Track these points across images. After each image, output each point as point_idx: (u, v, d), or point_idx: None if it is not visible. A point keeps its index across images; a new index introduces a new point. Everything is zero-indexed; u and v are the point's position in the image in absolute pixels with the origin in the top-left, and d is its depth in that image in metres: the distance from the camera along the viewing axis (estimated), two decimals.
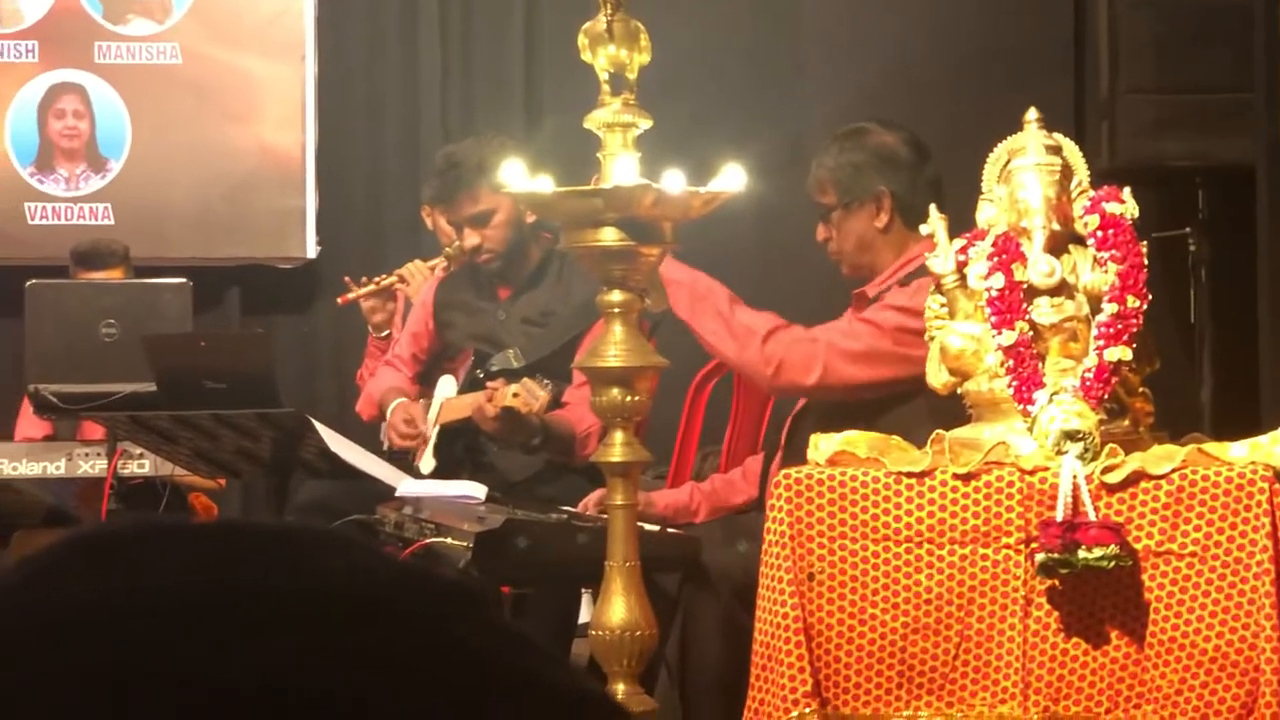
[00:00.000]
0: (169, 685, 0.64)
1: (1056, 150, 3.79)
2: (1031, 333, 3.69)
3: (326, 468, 5.00)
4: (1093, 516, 3.50)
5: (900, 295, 4.43)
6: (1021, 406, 3.66)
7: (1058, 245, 3.74)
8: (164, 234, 7.58)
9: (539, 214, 4.47)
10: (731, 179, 3.69)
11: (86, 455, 5.77)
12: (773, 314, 4.45)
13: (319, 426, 4.85)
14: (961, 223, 3.91)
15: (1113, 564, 3.47)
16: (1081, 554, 3.47)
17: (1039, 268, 3.70)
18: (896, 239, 4.56)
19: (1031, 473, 3.59)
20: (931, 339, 3.85)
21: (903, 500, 3.65)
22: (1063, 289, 3.73)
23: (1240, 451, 3.62)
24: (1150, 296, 3.71)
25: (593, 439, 5.04)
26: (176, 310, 5.73)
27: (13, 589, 0.69)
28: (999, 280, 3.70)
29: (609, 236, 3.62)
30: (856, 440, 3.76)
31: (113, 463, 5.68)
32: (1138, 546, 3.54)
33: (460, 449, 5.35)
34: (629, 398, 3.70)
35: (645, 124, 3.66)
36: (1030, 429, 3.63)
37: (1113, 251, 3.69)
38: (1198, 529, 3.53)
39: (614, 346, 3.69)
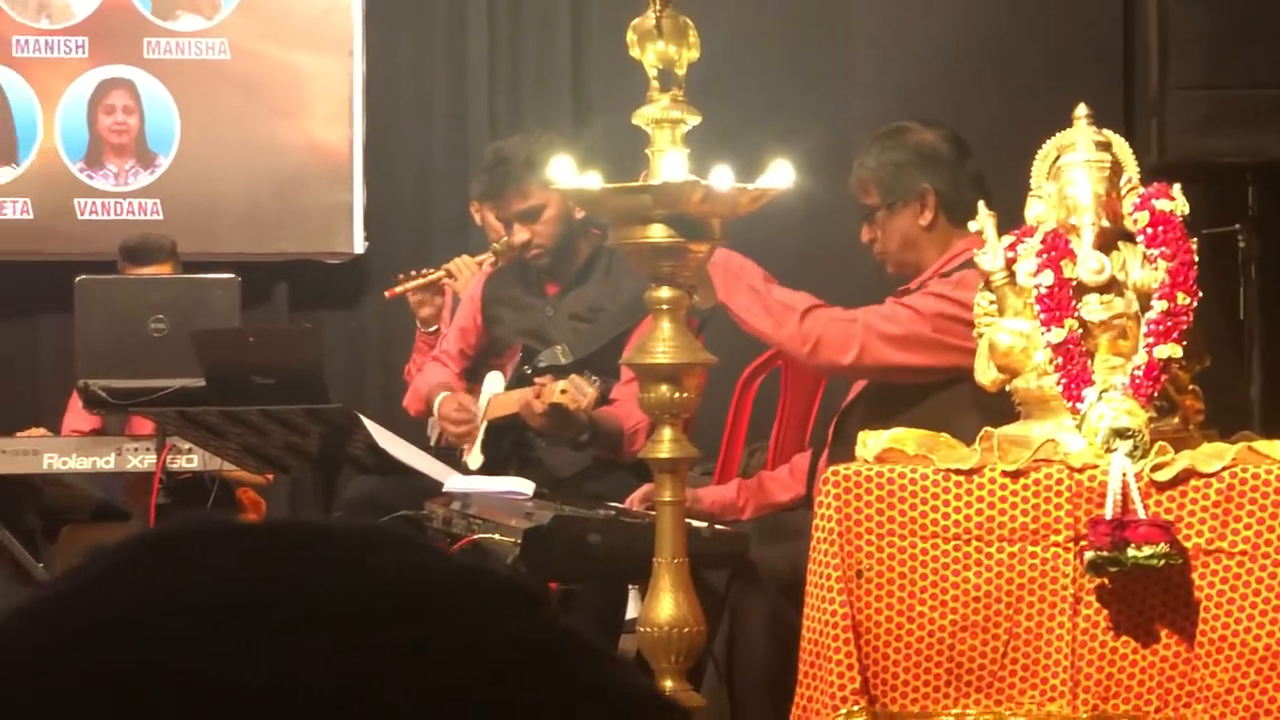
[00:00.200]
0: (171, 686, 0.64)
1: (1106, 147, 3.78)
2: (1080, 330, 3.68)
3: (374, 463, 5.01)
4: (1142, 515, 3.49)
5: (941, 284, 4.42)
6: (1070, 404, 3.65)
7: (1107, 242, 3.73)
8: (212, 229, 7.60)
9: (588, 210, 4.47)
10: (780, 175, 3.69)
11: (135, 450, 5.79)
12: (810, 294, 4.44)
13: (367, 422, 4.87)
14: (1006, 220, 3.90)
15: (1163, 562, 3.46)
16: (1130, 552, 3.46)
17: (1088, 265, 3.69)
18: (940, 236, 4.55)
19: (1080, 470, 3.58)
20: (980, 336, 3.85)
21: (951, 497, 3.64)
22: (1112, 286, 3.72)
23: None
24: (1200, 293, 3.69)
25: (640, 435, 5.04)
26: (225, 305, 5.75)
27: (72, 586, 0.69)
28: (1048, 277, 3.69)
29: (657, 233, 3.62)
30: (905, 437, 3.75)
31: (161, 458, 5.70)
32: (1187, 545, 3.53)
33: (508, 445, 5.36)
34: (677, 394, 3.70)
35: (694, 120, 3.66)
36: (1079, 426, 3.62)
37: (1162, 248, 3.68)
38: (1248, 527, 3.52)
39: (662, 343, 3.69)
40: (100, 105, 7.79)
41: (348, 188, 7.74)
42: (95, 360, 5.72)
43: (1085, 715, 3.57)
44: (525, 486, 4.72)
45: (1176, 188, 3.77)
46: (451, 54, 7.80)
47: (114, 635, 0.66)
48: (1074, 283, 3.69)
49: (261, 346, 5.18)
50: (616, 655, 0.72)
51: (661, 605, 3.71)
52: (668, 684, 3.68)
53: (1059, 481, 3.59)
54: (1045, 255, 3.71)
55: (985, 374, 3.83)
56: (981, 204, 3.91)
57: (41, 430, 6.28)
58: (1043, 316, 3.69)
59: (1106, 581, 3.56)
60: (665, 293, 3.69)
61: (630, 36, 3.66)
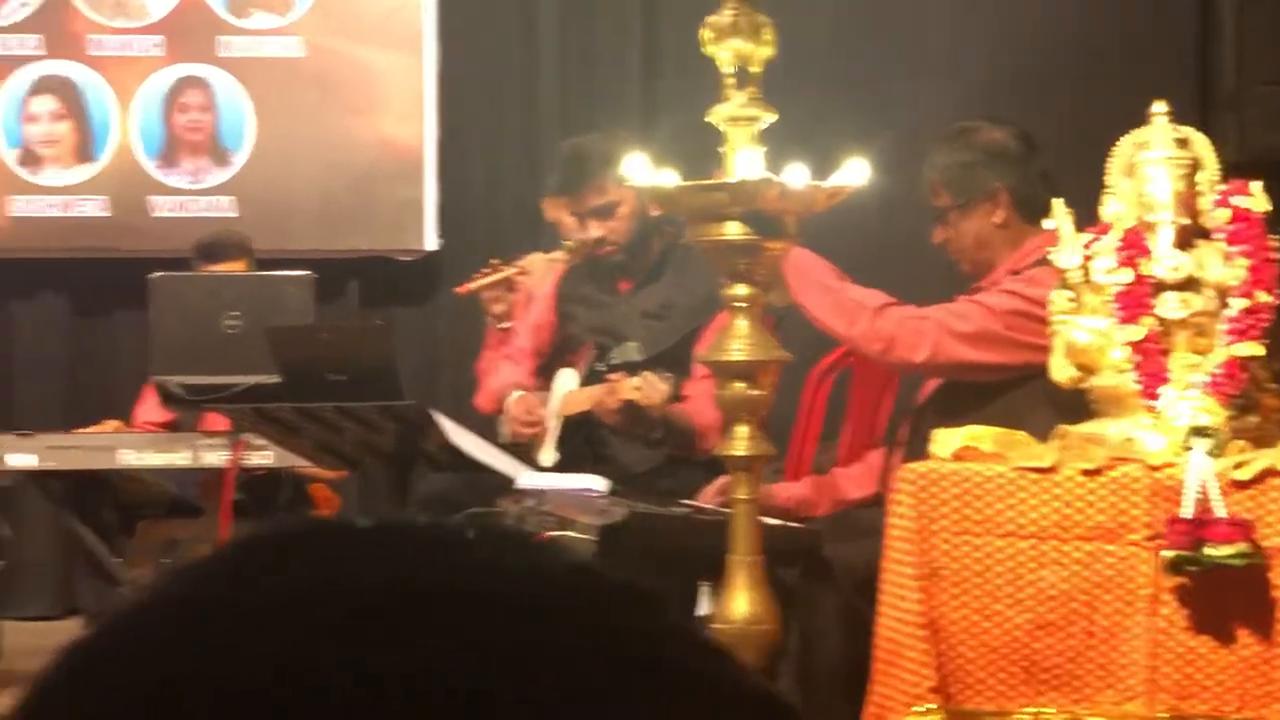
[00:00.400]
0: (305, 683, 0.64)
1: (1185, 143, 3.76)
2: (1158, 328, 3.66)
3: (448, 460, 5.01)
4: (1221, 513, 3.46)
5: (1014, 282, 4.41)
6: (1148, 402, 3.63)
7: (1185, 239, 3.71)
8: (286, 226, 7.64)
9: (663, 207, 4.46)
10: (855, 173, 3.68)
11: (210, 446, 5.82)
12: (883, 292, 4.43)
13: (441, 419, 4.87)
14: (1081, 218, 3.88)
15: (1242, 562, 3.44)
16: (1209, 551, 3.44)
17: (1166, 262, 3.67)
18: (1013, 234, 4.53)
19: (1159, 469, 3.56)
20: (1056, 333, 3.83)
21: (1027, 496, 3.62)
22: (1190, 284, 3.70)
23: None
24: None
25: (712, 432, 5.03)
26: (299, 302, 5.76)
27: (192, 585, 0.70)
28: (1126, 275, 3.67)
29: (733, 230, 3.62)
30: (980, 435, 3.74)
31: (236, 454, 5.73)
32: (1266, 544, 3.50)
33: (581, 442, 5.36)
34: (753, 392, 3.70)
35: (770, 118, 3.65)
36: (1157, 425, 3.60)
37: (1242, 246, 3.65)
38: None
39: (738, 340, 3.69)
40: (175, 103, 7.84)
41: (420, 184, 7.77)
42: (170, 356, 5.75)
43: (1163, 715, 3.55)
44: (599, 483, 4.72)
45: (1257, 185, 3.75)
46: (523, 51, 7.82)
47: (240, 633, 0.66)
48: (1152, 280, 3.68)
49: (336, 343, 5.19)
50: (731, 653, 0.72)
51: (736, 603, 3.71)
52: None
53: (1136, 480, 3.57)
54: (1123, 252, 3.69)
55: (1061, 372, 3.81)
56: (1059, 201, 3.89)
57: (115, 424, 6.32)
58: (1120, 314, 3.67)
59: (1185, 581, 3.54)
60: (741, 290, 3.69)
61: (705, 34, 3.66)
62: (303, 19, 7.80)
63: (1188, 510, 3.47)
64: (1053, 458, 3.63)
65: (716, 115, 3.66)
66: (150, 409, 6.31)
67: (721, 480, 4.57)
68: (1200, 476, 3.48)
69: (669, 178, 3.66)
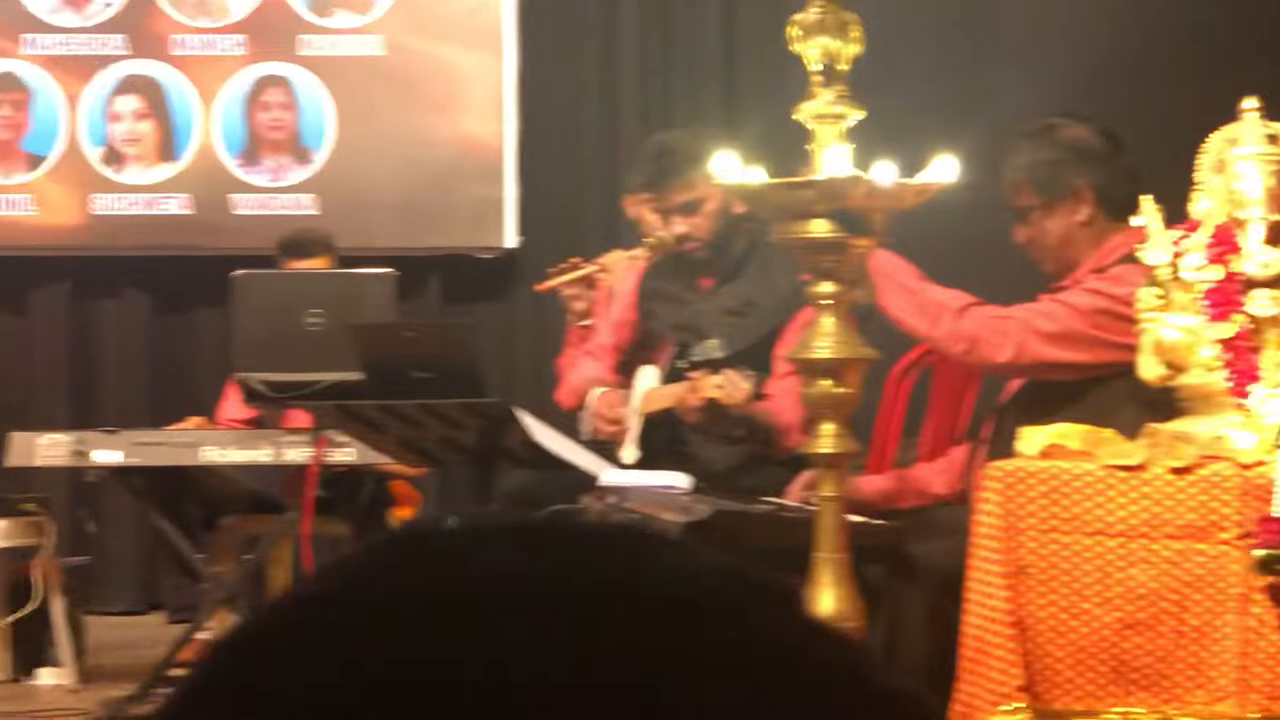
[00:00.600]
0: (469, 679, 0.65)
1: (1276, 139, 3.73)
2: (1249, 325, 3.64)
3: (531, 457, 5.02)
4: None
5: (1098, 280, 4.38)
6: (1238, 400, 3.61)
7: (1276, 236, 3.68)
8: (366, 224, 7.66)
9: (750, 205, 4.47)
10: (944, 170, 3.67)
11: (293, 443, 5.84)
12: (964, 292, 4.42)
13: (524, 416, 4.88)
14: (1168, 215, 3.86)
15: None
16: None
17: (1257, 259, 3.64)
18: (1096, 232, 4.51)
19: (1249, 467, 3.54)
20: (1145, 331, 3.81)
21: (1116, 494, 3.61)
22: None
23: None
24: None
25: (794, 431, 5.03)
26: (381, 299, 5.78)
27: (349, 581, 0.70)
28: (1216, 272, 3.65)
29: (820, 228, 3.61)
30: (1068, 433, 3.72)
31: (318, 451, 5.75)
32: None
33: (662, 439, 5.35)
34: (838, 389, 3.70)
35: (857, 115, 3.65)
36: (1247, 423, 3.57)
37: None
38: None
39: (824, 338, 3.69)
40: (257, 102, 7.88)
41: (499, 182, 7.79)
42: (253, 354, 5.78)
43: (1254, 716, 3.53)
44: (681, 480, 4.72)
45: None
46: (603, 48, 7.83)
47: (388, 629, 0.66)
48: (1242, 277, 3.65)
49: (419, 341, 5.20)
50: (869, 652, 0.72)
51: (822, 600, 3.70)
52: None
53: (1226, 478, 3.55)
54: (1213, 249, 3.67)
55: (1150, 369, 3.79)
56: (1147, 198, 3.86)
57: (198, 420, 6.36)
58: (1210, 311, 3.65)
59: (1276, 580, 3.51)
60: (827, 288, 3.68)
61: (792, 31, 3.66)
62: (383, 18, 7.83)
63: (1279, 509, 3.45)
64: (1141, 455, 3.61)
65: (804, 113, 3.66)
66: (233, 406, 6.35)
67: (805, 476, 4.56)
68: None
69: (756, 175, 3.66)
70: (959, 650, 3.69)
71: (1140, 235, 3.84)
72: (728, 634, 0.68)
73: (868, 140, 3.78)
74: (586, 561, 0.70)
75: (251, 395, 5.80)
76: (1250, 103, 3.77)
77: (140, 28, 7.87)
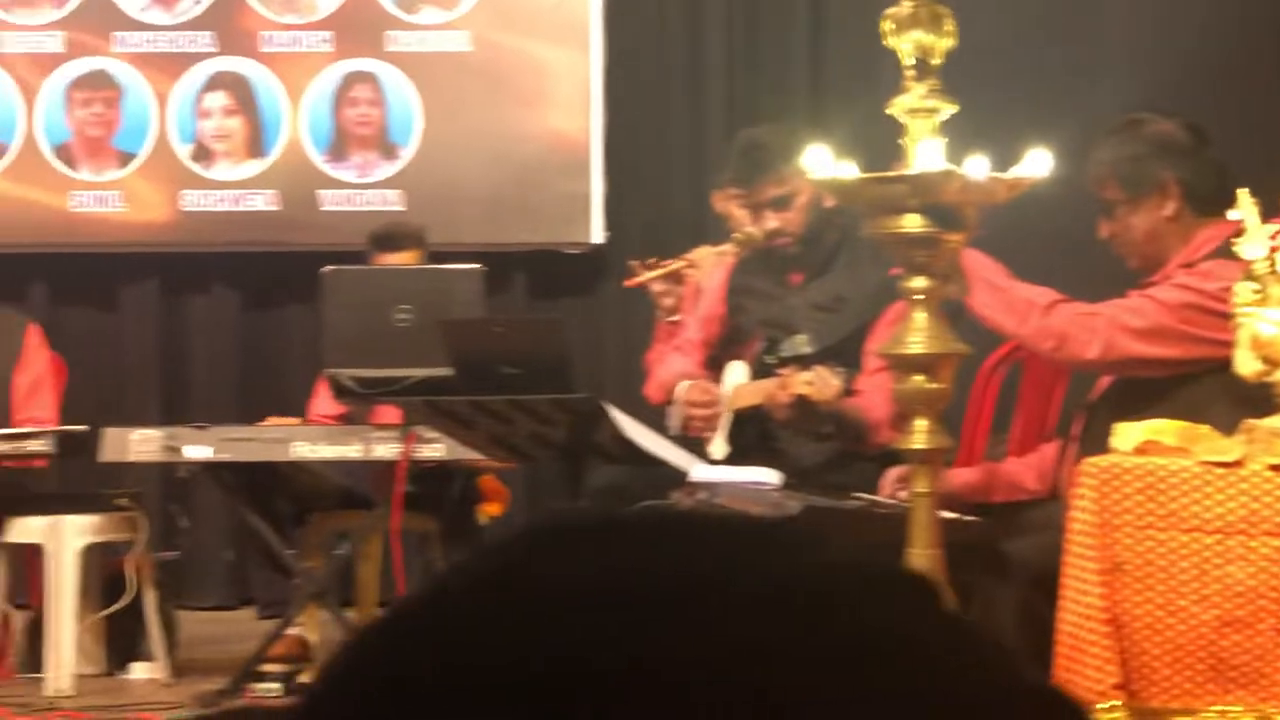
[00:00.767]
0: (609, 673, 0.65)
1: None
2: None
3: (621, 453, 5.01)
4: None
5: (1187, 276, 4.35)
6: None
7: None
8: (453, 220, 7.68)
9: (842, 199, 4.46)
10: (1037, 164, 3.65)
11: (382, 439, 5.86)
12: (1051, 289, 4.39)
13: (614, 412, 4.88)
14: (1261, 209, 3.82)
15: None
16: None
17: None
18: (1183, 227, 4.47)
19: None
20: (1241, 326, 3.77)
21: (1213, 490, 3.58)
22: None
23: None
24: None
25: (884, 427, 5.01)
26: (469, 295, 5.79)
27: (486, 574, 0.70)
28: None
29: (912, 223, 3.60)
30: (1163, 429, 3.70)
31: (407, 447, 5.77)
32: None
33: (751, 435, 5.35)
34: (931, 385, 3.68)
35: (950, 109, 3.63)
36: None
37: None
38: None
39: (917, 333, 3.68)
40: (344, 98, 7.92)
41: (586, 178, 7.80)
42: (342, 350, 5.80)
43: None
44: (772, 476, 4.71)
45: None
46: (689, 43, 7.83)
47: (526, 621, 0.66)
48: None
49: (508, 336, 5.20)
50: (1014, 650, 0.72)
51: None
52: None
53: None
54: None
55: (1246, 365, 3.76)
56: (1243, 191, 3.83)
57: (286, 418, 6.38)
58: None
59: None
60: (920, 282, 3.67)
61: (886, 25, 3.65)
62: (470, 13, 7.85)
63: None
64: (1239, 452, 3.59)
65: (897, 107, 3.64)
66: (324, 402, 6.37)
67: (894, 472, 4.55)
68: None
69: (849, 170, 3.65)
70: (1053, 648, 3.67)
71: (1232, 229, 3.80)
72: (857, 627, 0.67)
73: (960, 135, 3.77)
74: (732, 558, 0.70)
75: (341, 391, 5.83)
76: None
77: (229, 25, 7.91)
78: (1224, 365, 3.82)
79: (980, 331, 4.57)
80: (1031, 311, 4.30)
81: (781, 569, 0.69)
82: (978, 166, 3.58)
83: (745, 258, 5.65)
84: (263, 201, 7.92)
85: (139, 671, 6.23)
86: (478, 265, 5.87)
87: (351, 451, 5.93)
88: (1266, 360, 3.71)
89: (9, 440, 6.14)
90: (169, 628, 6.30)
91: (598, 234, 7.82)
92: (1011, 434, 5.01)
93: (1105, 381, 4.55)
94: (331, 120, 7.92)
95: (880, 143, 3.89)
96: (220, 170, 7.95)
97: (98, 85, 7.96)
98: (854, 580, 0.70)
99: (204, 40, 7.92)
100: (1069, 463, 4.32)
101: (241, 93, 7.94)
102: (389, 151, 7.91)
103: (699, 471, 4.89)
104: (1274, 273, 3.72)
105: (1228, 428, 3.70)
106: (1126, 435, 3.70)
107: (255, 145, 7.93)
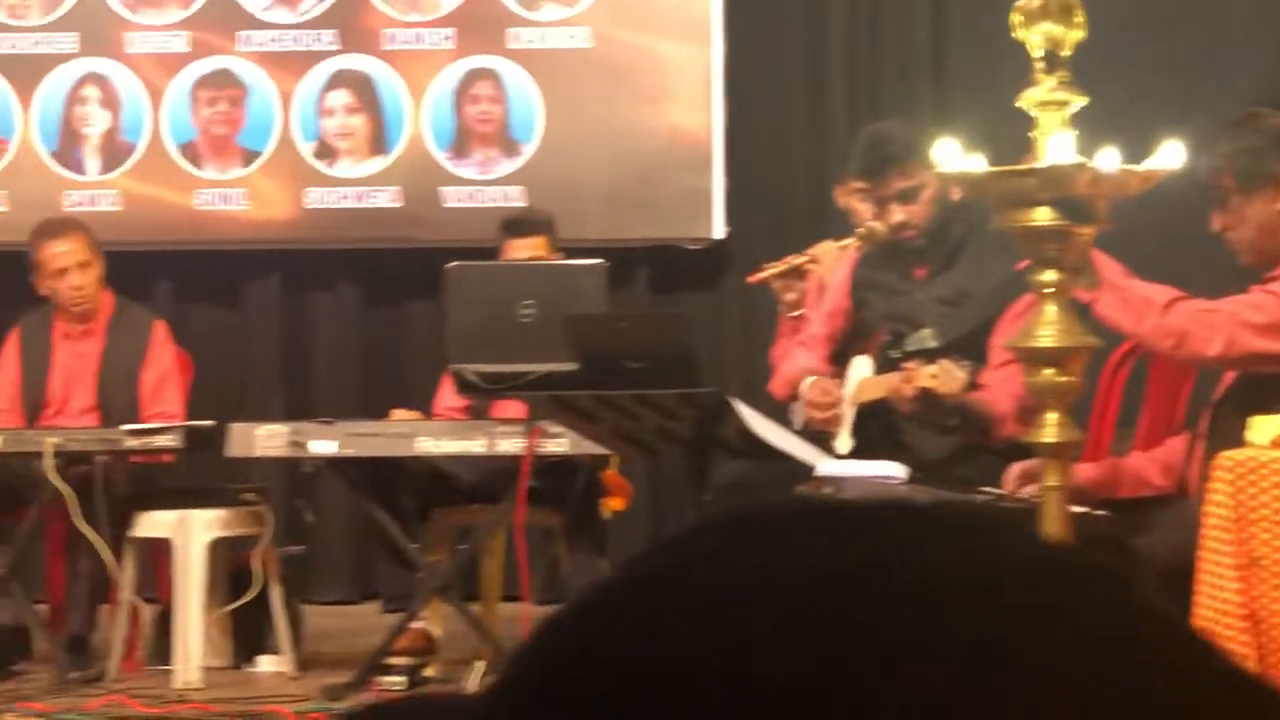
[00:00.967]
0: (796, 664, 0.64)
1: None
2: None
3: (746, 448, 5.01)
4: None
5: None
6: None
7: None
8: (574, 215, 7.67)
9: (970, 193, 4.45)
10: (1170, 156, 3.62)
11: (506, 434, 5.89)
12: (1170, 286, 4.35)
13: (740, 406, 4.87)
14: None
15: None
16: None
17: None
18: None
19: None
20: None
21: None
22: None
23: None
24: None
25: (1009, 421, 4.99)
26: (592, 290, 5.80)
27: (672, 564, 0.70)
28: None
29: (1042, 216, 3.58)
30: None
31: (531, 441, 5.79)
32: None
33: (876, 429, 5.33)
34: (1061, 378, 3.66)
35: (1080, 102, 3.61)
36: None
37: None
38: None
39: (1047, 327, 3.66)
40: (466, 95, 7.95)
41: (708, 173, 7.80)
42: (466, 345, 5.83)
43: None
44: (898, 470, 4.70)
45: None
46: (810, 37, 7.81)
47: (706, 615, 0.66)
48: None
49: (634, 331, 5.21)
50: (1208, 638, 0.71)
51: None
52: None
53: None
54: None
55: None
56: None
57: (411, 413, 6.41)
58: None
59: None
60: (1050, 276, 3.65)
61: (1015, 17, 3.63)
62: (590, 9, 7.86)
63: None
64: None
65: (1026, 99, 3.63)
66: (448, 397, 6.41)
67: (1018, 466, 4.52)
68: None
69: (978, 163, 3.63)
70: None
71: None
72: (1029, 624, 0.67)
73: (1090, 127, 3.74)
74: (924, 551, 0.70)
75: (465, 386, 5.85)
76: None
77: (351, 23, 7.97)
78: None
79: (1104, 326, 4.53)
80: (1150, 310, 4.27)
81: (987, 559, 0.69)
82: (1109, 159, 3.56)
83: (869, 252, 5.63)
84: (385, 198, 7.97)
85: (265, 665, 6.29)
86: (601, 260, 5.88)
87: (475, 446, 5.96)
88: None
89: (138, 435, 6.21)
90: (294, 621, 6.36)
91: (719, 229, 7.81)
92: (1138, 429, 4.98)
93: (1229, 377, 4.50)
94: (453, 117, 7.96)
95: (1004, 135, 3.86)
96: (343, 168, 8.00)
97: (222, 84, 8.03)
98: (1063, 572, 0.70)
99: (327, 39, 7.98)
100: (1197, 459, 4.29)
101: (364, 91, 7.99)
102: (510, 148, 7.94)
103: (824, 466, 4.89)
104: None
105: None
106: (1263, 429, 3.67)
107: (378, 142, 7.98)
